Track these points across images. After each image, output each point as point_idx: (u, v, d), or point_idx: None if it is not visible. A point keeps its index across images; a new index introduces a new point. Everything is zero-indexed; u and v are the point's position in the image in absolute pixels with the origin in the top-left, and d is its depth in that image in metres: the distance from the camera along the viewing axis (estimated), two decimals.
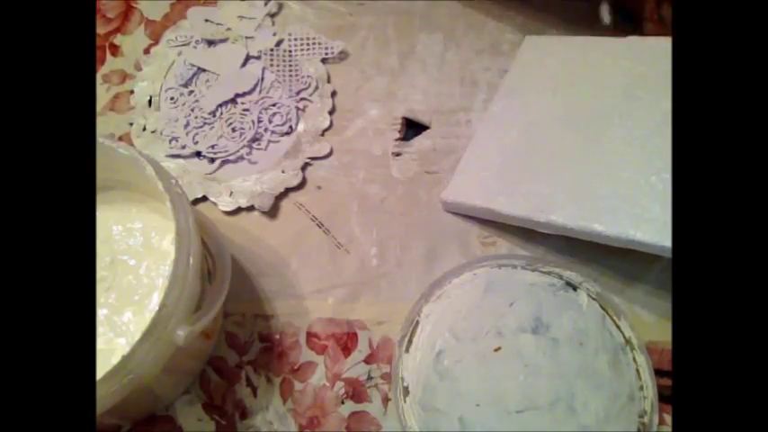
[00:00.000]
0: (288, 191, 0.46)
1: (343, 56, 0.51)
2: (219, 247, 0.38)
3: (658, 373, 0.39)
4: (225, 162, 0.47)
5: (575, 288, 0.39)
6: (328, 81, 0.50)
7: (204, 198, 0.46)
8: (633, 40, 0.46)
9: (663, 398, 0.39)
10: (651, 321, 0.41)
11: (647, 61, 0.44)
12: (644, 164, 0.39)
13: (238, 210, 0.46)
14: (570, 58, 0.47)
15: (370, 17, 0.53)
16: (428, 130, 0.48)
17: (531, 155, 0.44)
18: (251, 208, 0.46)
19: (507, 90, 0.48)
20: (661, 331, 0.41)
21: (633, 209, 0.38)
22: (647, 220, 0.37)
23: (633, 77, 0.43)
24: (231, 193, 0.46)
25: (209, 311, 0.34)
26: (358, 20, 0.53)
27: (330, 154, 0.48)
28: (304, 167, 0.47)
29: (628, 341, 0.38)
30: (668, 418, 0.38)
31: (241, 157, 0.47)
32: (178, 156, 0.48)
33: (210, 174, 0.47)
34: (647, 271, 0.43)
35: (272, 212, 0.46)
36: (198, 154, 0.48)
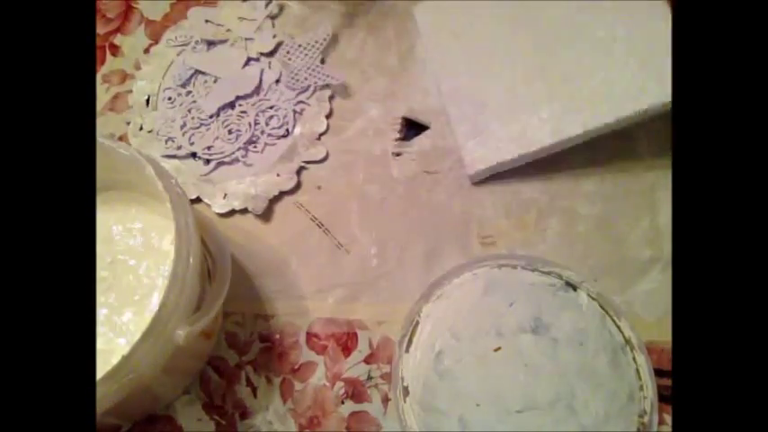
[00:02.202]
0: (282, 194, 0.46)
1: (342, 57, 0.51)
2: (220, 246, 0.38)
3: (658, 373, 0.39)
4: (220, 164, 0.47)
5: (575, 288, 0.39)
6: (327, 85, 0.50)
7: (198, 199, 0.46)
8: None
9: (663, 398, 0.39)
10: (651, 321, 0.41)
11: None
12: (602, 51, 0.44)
13: (232, 212, 0.46)
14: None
15: (369, 17, 0.53)
16: (428, 130, 0.48)
17: (510, 92, 0.46)
18: (245, 210, 0.46)
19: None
20: (661, 331, 0.41)
21: (623, 89, 0.43)
22: (641, 90, 0.42)
23: None
24: (225, 195, 0.46)
25: (209, 311, 0.34)
26: (358, 20, 0.53)
27: (326, 158, 0.47)
28: (299, 171, 0.47)
29: (627, 341, 0.38)
30: (668, 418, 0.38)
31: (236, 159, 0.47)
32: (174, 156, 0.48)
33: (205, 175, 0.47)
34: (648, 271, 0.43)
35: (268, 215, 0.46)
36: (193, 155, 0.48)
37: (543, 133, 0.44)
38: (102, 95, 0.51)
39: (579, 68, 0.45)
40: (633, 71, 0.43)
